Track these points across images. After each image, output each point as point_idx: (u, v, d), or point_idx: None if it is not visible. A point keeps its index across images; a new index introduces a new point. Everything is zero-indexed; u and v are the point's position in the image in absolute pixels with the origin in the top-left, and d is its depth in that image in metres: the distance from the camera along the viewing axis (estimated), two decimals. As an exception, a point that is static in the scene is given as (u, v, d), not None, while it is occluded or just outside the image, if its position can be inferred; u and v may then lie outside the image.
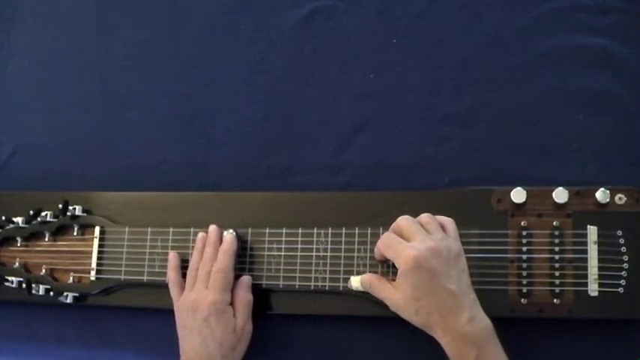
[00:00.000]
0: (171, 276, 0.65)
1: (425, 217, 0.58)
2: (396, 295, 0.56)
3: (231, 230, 0.65)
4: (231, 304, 0.62)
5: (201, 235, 0.66)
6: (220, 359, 0.60)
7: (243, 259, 0.66)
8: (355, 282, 0.61)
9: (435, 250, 0.54)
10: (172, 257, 0.66)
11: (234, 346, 0.61)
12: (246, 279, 0.64)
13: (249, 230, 0.66)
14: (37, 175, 0.80)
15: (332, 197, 0.67)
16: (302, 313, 0.65)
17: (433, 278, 0.53)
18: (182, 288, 0.64)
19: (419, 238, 0.55)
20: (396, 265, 0.55)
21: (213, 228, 0.66)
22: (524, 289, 0.59)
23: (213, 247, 0.64)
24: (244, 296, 0.63)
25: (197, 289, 0.62)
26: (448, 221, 0.58)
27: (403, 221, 0.57)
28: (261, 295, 0.65)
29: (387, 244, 0.57)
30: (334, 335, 0.67)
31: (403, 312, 0.56)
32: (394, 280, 0.56)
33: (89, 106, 0.80)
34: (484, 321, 0.54)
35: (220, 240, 0.65)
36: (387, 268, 0.61)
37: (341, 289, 0.63)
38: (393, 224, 0.58)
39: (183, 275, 0.65)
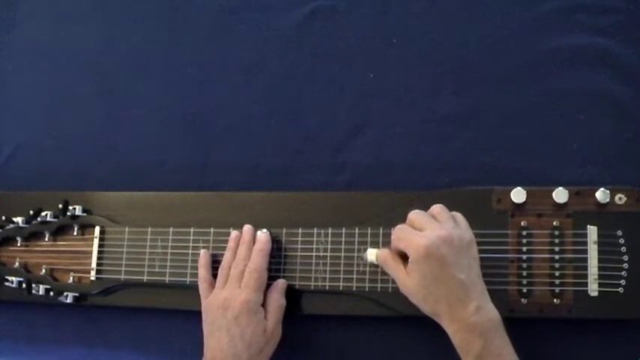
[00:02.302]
0: (202, 273, 0.65)
1: (437, 207, 0.59)
2: (406, 280, 0.56)
3: (265, 230, 0.65)
4: (263, 305, 0.62)
5: (234, 233, 0.65)
6: None
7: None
8: (371, 255, 0.61)
9: (446, 239, 0.54)
10: (203, 255, 0.66)
11: (262, 348, 0.60)
12: (281, 282, 0.64)
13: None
14: (37, 175, 0.80)
15: (332, 197, 0.67)
16: (301, 313, 0.65)
17: (442, 267, 0.53)
18: (211, 286, 0.64)
19: (430, 228, 0.56)
20: (408, 255, 0.56)
21: (247, 227, 0.65)
22: (524, 289, 0.59)
23: (247, 247, 0.64)
24: (278, 299, 0.63)
25: (229, 288, 0.61)
26: (458, 214, 0.59)
27: (414, 215, 0.58)
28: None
29: (399, 235, 0.57)
30: (334, 335, 0.67)
31: (412, 297, 0.56)
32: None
33: (89, 106, 0.80)
34: (492, 312, 0.54)
35: (254, 239, 0.65)
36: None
37: (341, 288, 0.63)
38: (407, 219, 0.58)
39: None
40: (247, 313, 0.59)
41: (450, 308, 0.53)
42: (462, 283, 0.53)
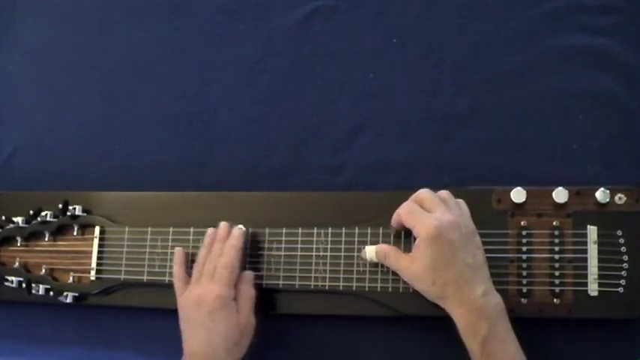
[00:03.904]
0: (176, 271, 0.65)
1: (444, 193, 0.59)
2: (413, 265, 0.56)
3: (240, 226, 0.65)
4: (235, 298, 0.62)
5: (210, 230, 0.66)
6: (224, 353, 0.60)
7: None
8: (370, 252, 0.61)
9: (454, 224, 0.55)
10: (178, 252, 0.66)
11: (238, 340, 0.61)
12: (248, 273, 0.64)
13: (249, 230, 0.66)
14: (37, 175, 0.80)
15: (332, 197, 0.67)
16: (301, 313, 0.65)
17: (452, 250, 0.54)
18: (186, 283, 0.64)
19: (440, 211, 0.56)
20: (415, 234, 0.56)
21: (223, 224, 0.66)
22: (524, 289, 0.59)
23: (222, 244, 0.64)
24: (248, 291, 0.63)
25: (203, 284, 0.62)
26: (461, 202, 0.60)
27: (424, 193, 0.58)
28: (262, 295, 0.65)
29: (410, 210, 0.57)
30: (334, 335, 0.67)
31: (419, 282, 0.57)
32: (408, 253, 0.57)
33: (89, 106, 0.80)
34: (497, 297, 0.55)
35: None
36: (399, 239, 0.62)
37: (341, 288, 0.63)
38: (414, 195, 0.59)
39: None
40: (221, 307, 0.60)
41: (458, 290, 0.54)
42: (470, 267, 0.54)
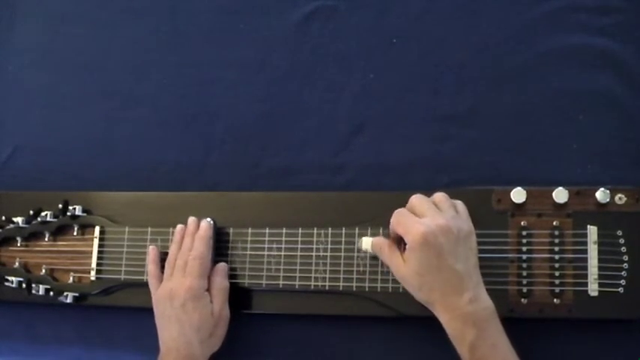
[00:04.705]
0: (151, 269, 0.66)
1: (438, 195, 0.59)
2: (402, 268, 0.56)
3: (209, 219, 0.66)
4: (208, 290, 0.63)
5: (179, 226, 0.66)
6: (198, 345, 0.60)
7: (244, 259, 0.66)
8: (366, 243, 0.61)
9: (444, 228, 0.54)
10: (152, 251, 0.66)
11: (212, 331, 0.62)
12: (222, 265, 0.65)
13: (250, 230, 0.66)
14: (37, 175, 0.80)
15: (332, 197, 0.67)
16: (302, 313, 0.65)
17: (439, 256, 0.54)
18: (160, 280, 0.65)
19: (430, 215, 0.56)
20: (405, 241, 0.56)
21: (191, 219, 0.66)
22: (524, 289, 0.59)
23: (192, 238, 0.65)
24: (221, 282, 0.63)
25: (175, 278, 0.63)
26: (459, 203, 0.59)
27: (416, 199, 0.58)
28: (261, 295, 0.65)
29: (398, 219, 0.57)
30: (334, 335, 0.67)
31: (407, 285, 0.57)
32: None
33: (89, 106, 0.80)
34: (486, 302, 0.54)
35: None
36: (400, 240, 0.60)
37: (341, 289, 0.63)
38: (408, 203, 0.59)
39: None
40: (192, 299, 0.60)
41: (444, 297, 0.54)
42: (457, 273, 0.54)
